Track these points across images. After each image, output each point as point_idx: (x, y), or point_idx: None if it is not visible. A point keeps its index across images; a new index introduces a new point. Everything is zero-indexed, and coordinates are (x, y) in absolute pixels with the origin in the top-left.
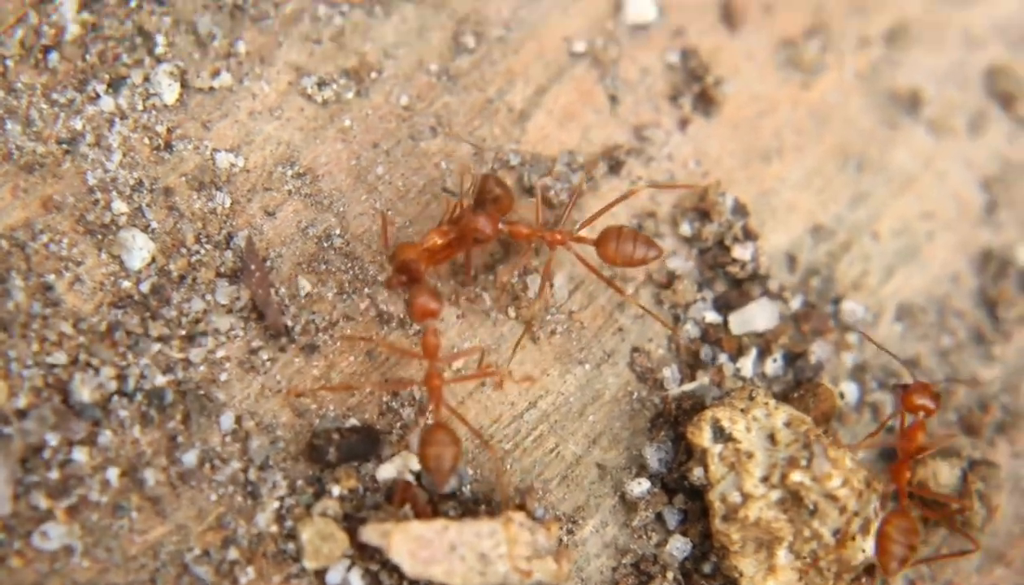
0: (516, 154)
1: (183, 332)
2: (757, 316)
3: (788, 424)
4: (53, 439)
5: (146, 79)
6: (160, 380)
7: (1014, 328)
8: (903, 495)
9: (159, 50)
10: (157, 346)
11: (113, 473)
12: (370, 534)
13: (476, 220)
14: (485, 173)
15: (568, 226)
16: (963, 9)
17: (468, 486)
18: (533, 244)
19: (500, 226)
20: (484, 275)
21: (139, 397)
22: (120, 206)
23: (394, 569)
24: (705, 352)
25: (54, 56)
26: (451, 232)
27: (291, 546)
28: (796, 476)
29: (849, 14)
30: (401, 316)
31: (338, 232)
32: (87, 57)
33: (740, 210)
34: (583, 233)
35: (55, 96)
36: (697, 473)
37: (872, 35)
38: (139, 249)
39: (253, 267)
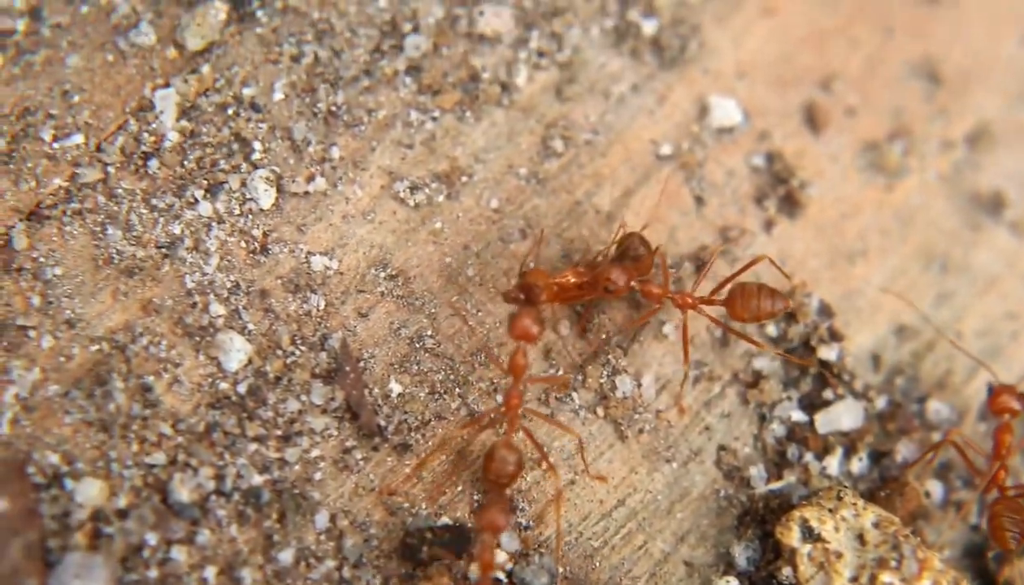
0: (603, 256)
1: (279, 432)
2: (843, 416)
3: (877, 525)
4: (152, 538)
5: (243, 184)
6: (257, 479)
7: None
8: (1001, 488)
9: (256, 156)
10: (254, 446)
11: (211, 572)
12: None
13: (611, 270)
14: (632, 231)
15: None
16: None
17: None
18: (660, 306)
19: (633, 283)
20: (575, 374)
21: (236, 496)
22: (217, 308)
23: None
24: (791, 451)
25: (154, 162)
26: (585, 275)
27: None
28: (886, 577)
29: (931, 117)
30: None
31: (429, 333)
32: (186, 163)
33: (825, 311)
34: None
35: (155, 201)
36: (786, 573)
37: (954, 138)
38: (236, 351)
39: (347, 368)
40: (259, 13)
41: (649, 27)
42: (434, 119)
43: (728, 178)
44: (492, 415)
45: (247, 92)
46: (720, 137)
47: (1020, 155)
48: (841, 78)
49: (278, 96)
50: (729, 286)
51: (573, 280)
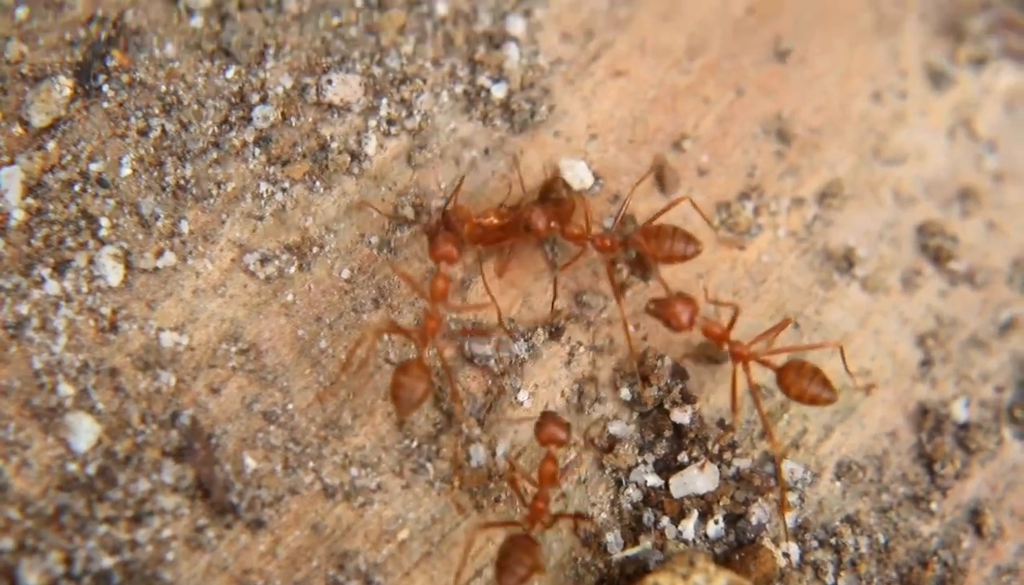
0: (456, 323)
1: (129, 513)
2: (697, 479)
3: None
4: None
5: (91, 261)
6: (107, 562)
7: (951, 483)
8: None
9: (103, 232)
10: (104, 528)
11: None
12: None
13: (533, 211)
14: (556, 175)
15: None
16: (893, 167)
17: None
18: (583, 250)
19: (552, 224)
20: (428, 445)
21: (86, 580)
22: (66, 389)
23: None
24: (647, 516)
25: None
26: (507, 216)
27: None
28: None
29: (782, 175)
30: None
31: (282, 407)
32: (32, 242)
33: (678, 373)
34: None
35: (0, 282)
36: None
37: (805, 195)
38: (85, 431)
39: (198, 446)
40: (105, 88)
41: (499, 91)
42: (284, 190)
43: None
44: (412, 334)
45: (94, 167)
46: None
47: (870, 212)
48: (692, 138)
49: (126, 171)
50: (645, 227)
51: (495, 221)
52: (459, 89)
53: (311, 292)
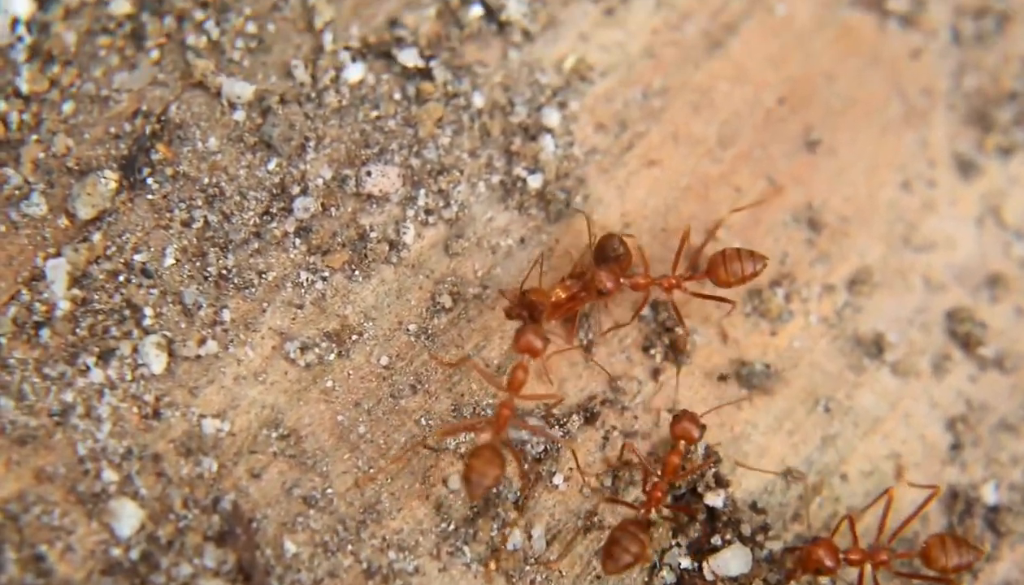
0: (493, 408)
1: None
2: (731, 562)
3: None
4: None
5: (134, 350)
6: None
7: (982, 566)
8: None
9: (147, 321)
10: None
11: None
12: None
13: (600, 274)
14: (607, 233)
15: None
16: (922, 255)
17: None
18: (649, 294)
19: (622, 281)
20: (465, 528)
21: None
22: (110, 475)
23: None
24: None
25: (45, 332)
26: (574, 287)
27: None
28: None
29: (813, 263)
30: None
31: (322, 491)
32: (77, 331)
33: (711, 456)
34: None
35: (47, 370)
36: None
37: (835, 282)
38: (128, 517)
39: (239, 530)
40: (149, 181)
41: (535, 182)
42: (324, 279)
43: (617, 328)
44: (480, 424)
45: (138, 258)
46: None
47: (900, 299)
48: (725, 226)
49: (169, 261)
50: (709, 257)
51: (564, 295)
52: (495, 179)
53: (350, 378)
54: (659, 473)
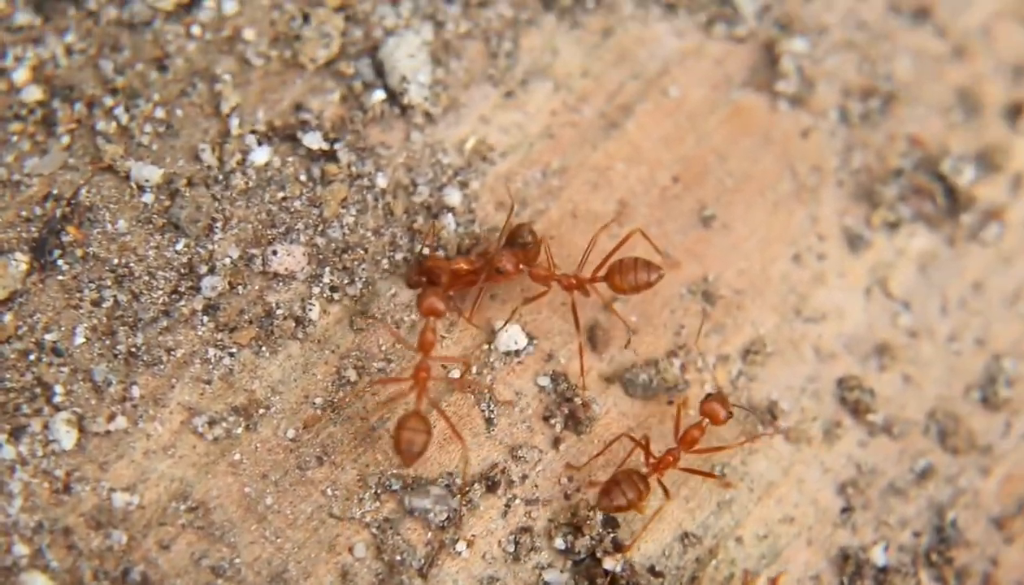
0: (398, 478)
1: None
2: None
3: None
4: None
5: (45, 427)
6: None
7: None
8: None
9: (57, 399)
10: None
11: None
12: None
13: (502, 255)
14: (520, 222)
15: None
16: (813, 325)
17: None
18: (549, 288)
19: (522, 267)
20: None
21: None
22: (21, 549)
23: None
24: None
25: None
26: (477, 262)
27: None
28: None
29: (708, 333)
30: None
31: (230, 561)
32: None
33: (610, 523)
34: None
35: None
36: None
37: (730, 352)
38: None
39: None
40: (60, 262)
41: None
42: (231, 355)
43: (517, 398)
44: (403, 385)
45: (49, 337)
46: (508, 360)
47: (792, 368)
48: (622, 299)
49: (79, 340)
50: (609, 264)
51: (465, 267)
52: (399, 257)
53: (257, 451)
54: (676, 442)
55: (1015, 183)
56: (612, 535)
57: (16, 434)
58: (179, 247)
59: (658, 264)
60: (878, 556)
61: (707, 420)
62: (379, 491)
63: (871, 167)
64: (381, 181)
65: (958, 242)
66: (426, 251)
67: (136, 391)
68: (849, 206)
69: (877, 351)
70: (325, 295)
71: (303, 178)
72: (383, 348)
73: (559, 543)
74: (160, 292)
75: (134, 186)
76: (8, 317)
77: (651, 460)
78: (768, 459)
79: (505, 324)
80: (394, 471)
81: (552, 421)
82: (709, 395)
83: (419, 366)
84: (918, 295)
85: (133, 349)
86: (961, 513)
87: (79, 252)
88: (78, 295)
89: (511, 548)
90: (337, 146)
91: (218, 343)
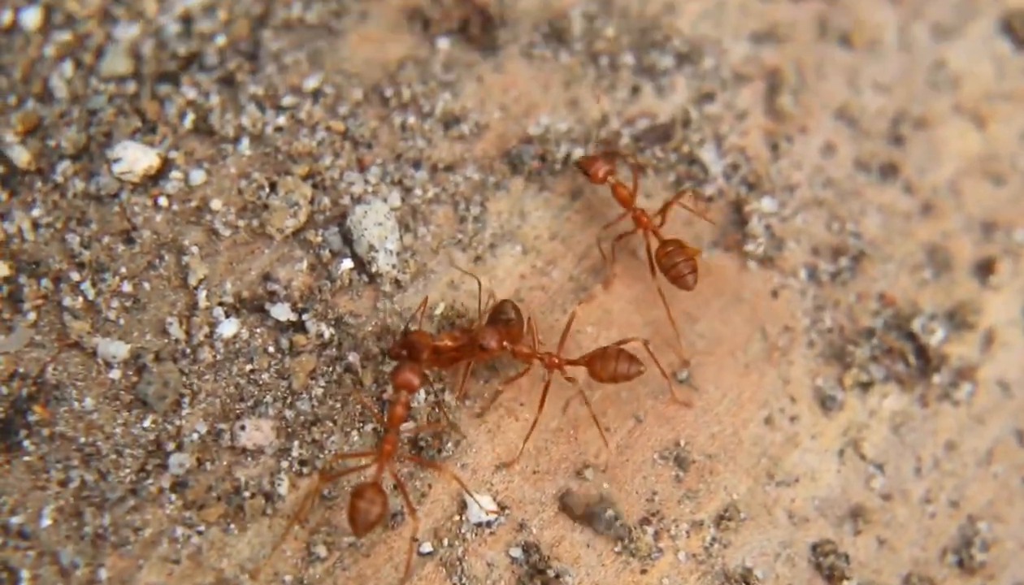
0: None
1: None
2: None
3: None
4: None
5: None
6: None
7: None
8: None
9: (23, 584)
10: None
11: None
12: None
13: (485, 332)
14: (504, 299)
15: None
16: (786, 489)
17: None
18: (531, 366)
19: (505, 344)
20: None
21: None
22: None
23: None
24: None
25: None
26: (461, 339)
27: None
28: None
29: (681, 500)
30: None
31: None
32: None
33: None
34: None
35: None
36: None
37: (703, 518)
38: None
39: None
40: (26, 443)
41: (407, 429)
42: (200, 533)
43: (489, 571)
44: (363, 460)
45: (15, 520)
46: (479, 531)
47: (766, 533)
48: (594, 466)
49: (46, 522)
50: (592, 351)
51: (450, 343)
52: (368, 428)
53: None
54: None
55: (986, 341)
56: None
57: None
58: (146, 424)
59: (640, 360)
60: None
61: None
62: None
63: (842, 326)
64: (350, 352)
65: (931, 402)
66: (413, 326)
67: (103, 573)
68: (820, 367)
69: (851, 514)
70: (294, 469)
71: (271, 349)
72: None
73: None
74: (127, 470)
75: (101, 362)
76: None
77: None
78: None
79: (476, 498)
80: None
81: None
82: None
83: (385, 438)
84: (891, 456)
85: (100, 530)
86: None
87: (46, 431)
88: (44, 476)
89: None
90: (305, 317)
91: (186, 521)
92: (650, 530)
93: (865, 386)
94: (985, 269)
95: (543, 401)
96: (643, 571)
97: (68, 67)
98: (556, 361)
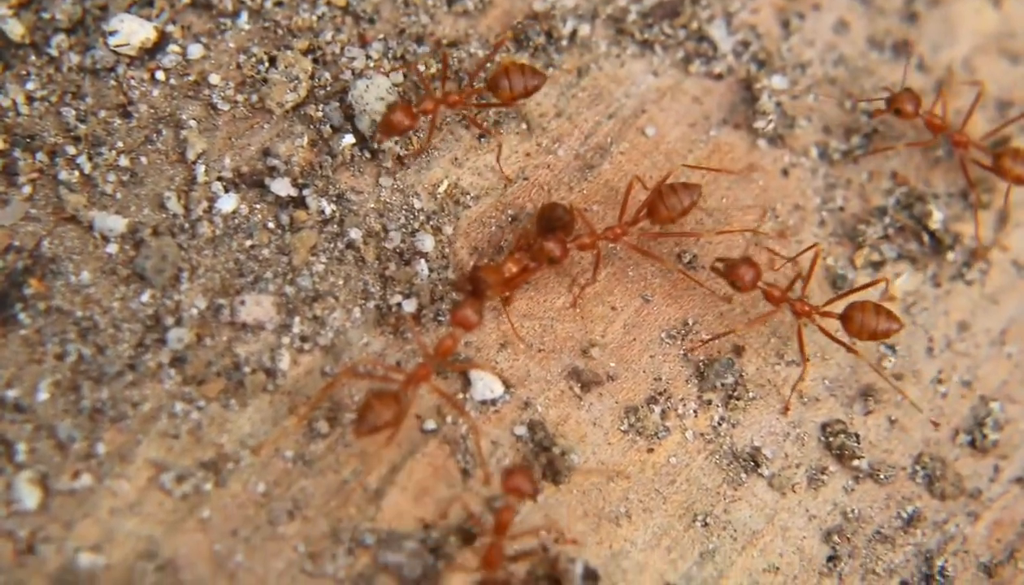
0: (372, 533)
1: None
2: None
3: None
4: None
5: (8, 486)
6: None
7: None
8: None
9: (20, 457)
10: None
11: None
12: None
13: (548, 243)
14: (549, 202)
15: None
16: (797, 369)
17: None
18: (598, 249)
19: (568, 246)
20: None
21: None
22: None
23: None
24: None
25: None
26: (523, 259)
27: None
28: None
29: (689, 379)
30: None
31: None
32: None
33: (590, 575)
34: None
35: None
36: None
37: (712, 398)
38: None
39: None
40: (22, 316)
41: (409, 306)
42: (200, 409)
43: (493, 449)
44: (396, 376)
45: (11, 394)
46: (484, 409)
47: (774, 413)
48: (600, 345)
49: (43, 396)
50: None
51: (515, 269)
52: (371, 305)
53: (227, 507)
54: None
55: (1000, 221)
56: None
57: None
58: (144, 298)
59: (695, 184)
60: None
61: (512, 497)
62: (352, 546)
63: (853, 206)
64: (352, 228)
65: (943, 282)
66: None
67: (101, 448)
68: (832, 246)
69: (862, 394)
70: (295, 345)
71: (271, 225)
72: (355, 398)
73: None
74: (125, 345)
75: (98, 236)
76: None
77: None
78: (751, 507)
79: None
80: (368, 526)
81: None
82: (508, 471)
83: (423, 364)
84: (903, 336)
85: (98, 404)
86: (950, 560)
87: (42, 305)
88: (41, 349)
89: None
90: (306, 192)
91: (185, 397)
92: (657, 409)
93: (877, 265)
94: (998, 147)
95: (597, 266)
96: (650, 450)
97: None
98: (619, 231)
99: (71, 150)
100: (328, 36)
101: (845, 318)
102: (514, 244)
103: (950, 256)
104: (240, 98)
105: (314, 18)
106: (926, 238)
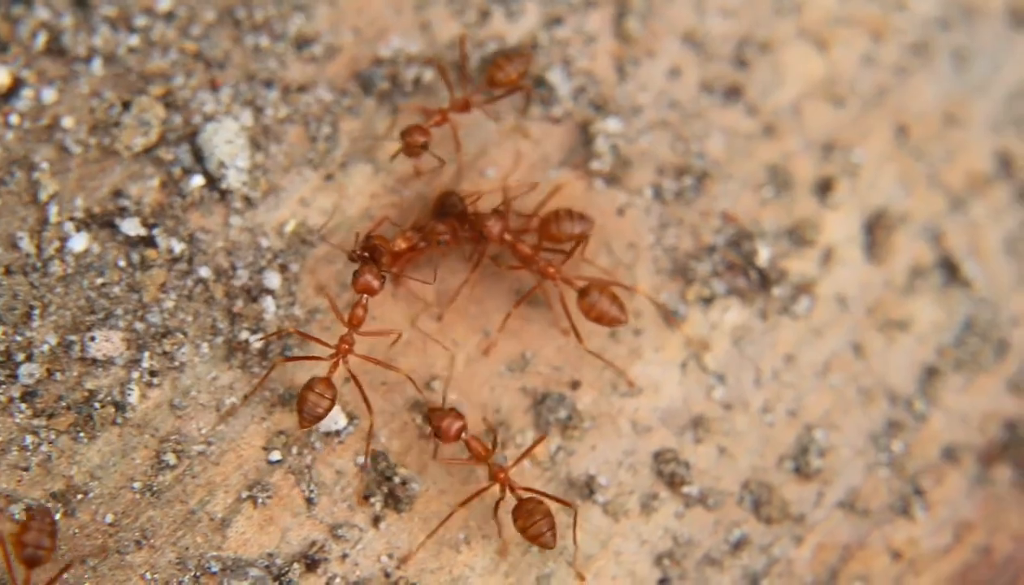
0: (217, 560)
1: None
2: None
3: None
4: None
5: None
6: None
7: None
8: None
9: None
10: None
11: None
12: None
13: (438, 226)
14: (445, 190)
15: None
16: (630, 399)
17: None
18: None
19: (458, 232)
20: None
21: None
22: None
23: None
24: None
25: None
26: (413, 238)
27: None
28: None
29: (526, 409)
30: None
31: None
32: None
33: None
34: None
35: None
36: None
37: (549, 423)
38: None
39: None
40: None
41: (257, 342)
42: (50, 442)
43: (338, 478)
44: (321, 358)
45: None
46: (328, 439)
47: (610, 442)
48: (442, 378)
49: None
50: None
51: (405, 245)
52: (219, 340)
53: (75, 537)
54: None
55: (825, 257)
56: None
57: None
58: None
59: (590, 216)
60: None
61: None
62: (198, 574)
63: (685, 243)
64: (201, 266)
65: (770, 316)
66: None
67: None
68: (664, 282)
69: (693, 424)
70: (144, 379)
71: (122, 264)
72: (203, 431)
73: None
74: None
75: None
76: None
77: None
78: (586, 532)
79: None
80: (213, 553)
81: (372, 500)
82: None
83: (343, 338)
84: (732, 368)
85: None
86: (775, 582)
87: None
88: None
89: None
90: (156, 232)
91: (36, 430)
92: (497, 439)
93: (707, 300)
94: (824, 188)
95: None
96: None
97: None
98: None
99: None
100: (180, 81)
101: (582, 292)
102: (408, 226)
103: (776, 292)
104: (92, 141)
105: (166, 64)
106: (754, 274)
